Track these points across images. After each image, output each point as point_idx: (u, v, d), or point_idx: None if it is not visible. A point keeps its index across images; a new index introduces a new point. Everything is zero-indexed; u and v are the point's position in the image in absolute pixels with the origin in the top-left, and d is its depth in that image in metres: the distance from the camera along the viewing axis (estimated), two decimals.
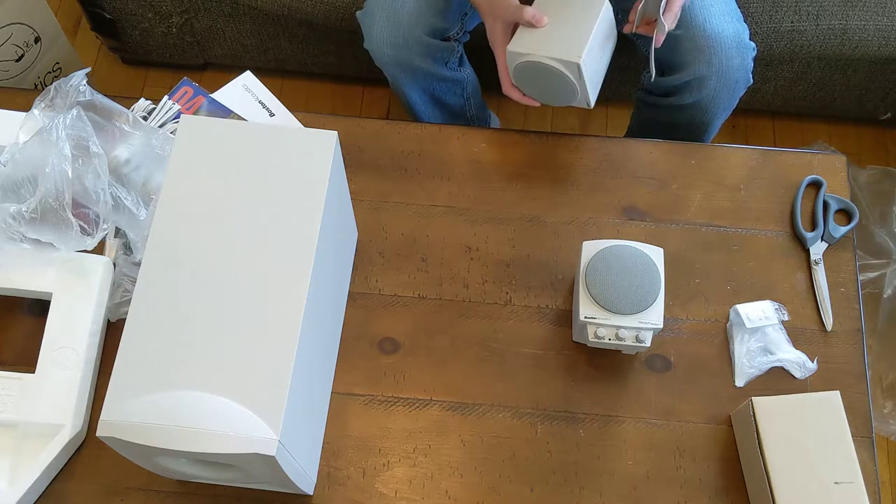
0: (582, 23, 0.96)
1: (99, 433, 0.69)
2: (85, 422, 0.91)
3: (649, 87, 1.23)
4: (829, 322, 0.99)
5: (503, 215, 1.05)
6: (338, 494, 0.90)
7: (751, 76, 1.14)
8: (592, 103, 1.02)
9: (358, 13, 1.20)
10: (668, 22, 0.98)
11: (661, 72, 1.18)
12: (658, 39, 1.00)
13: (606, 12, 0.98)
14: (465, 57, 1.29)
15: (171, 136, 1.02)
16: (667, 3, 0.96)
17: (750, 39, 1.13)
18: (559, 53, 0.95)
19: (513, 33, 1.01)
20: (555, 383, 0.96)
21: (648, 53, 1.02)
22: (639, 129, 1.37)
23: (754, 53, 1.13)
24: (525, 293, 1.01)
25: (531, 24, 0.97)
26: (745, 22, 1.14)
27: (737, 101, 1.18)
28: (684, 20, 1.10)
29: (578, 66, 0.94)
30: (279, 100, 1.11)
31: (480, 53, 1.30)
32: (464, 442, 0.93)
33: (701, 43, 1.09)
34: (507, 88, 1.06)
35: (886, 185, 1.65)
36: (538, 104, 1.06)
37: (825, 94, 1.64)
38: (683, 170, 1.09)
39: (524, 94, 1.05)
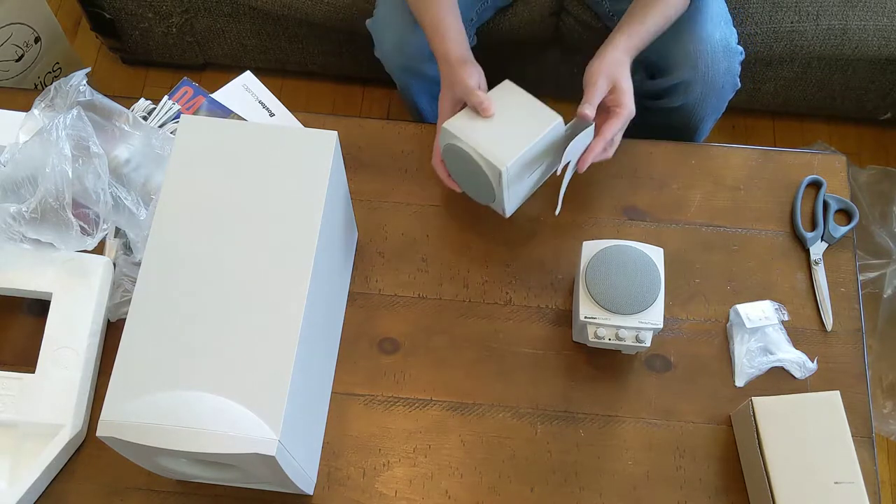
0: (525, 131, 0.89)
1: (99, 433, 0.69)
2: (85, 422, 0.91)
3: (641, 91, 1.23)
4: (829, 322, 0.99)
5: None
6: (338, 494, 0.90)
7: (738, 80, 1.13)
8: (508, 214, 0.95)
9: (368, 22, 1.20)
10: (582, 167, 0.93)
11: (651, 75, 1.18)
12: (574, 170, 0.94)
13: (554, 132, 0.91)
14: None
15: (171, 136, 1.02)
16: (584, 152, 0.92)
17: (738, 44, 1.11)
18: (487, 152, 0.87)
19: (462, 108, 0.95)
20: (555, 383, 0.96)
21: (561, 186, 0.94)
22: (632, 131, 1.37)
23: (742, 58, 1.12)
24: (525, 293, 1.01)
25: (476, 111, 0.91)
26: (734, 26, 1.14)
27: (725, 105, 1.17)
28: (673, 23, 1.09)
29: (500, 173, 0.87)
30: (279, 100, 1.11)
31: (481, 54, 1.30)
32: (464, 442, 0.93)
33: (688, 47, 1.09)
34: (435, 161, 0.99)
35: (886, 185, 1.65)
36: (459, 190, 0.99)
37: (825, 94, 1.64)
38: (683, 170, 1.09)
39: (449, 175, 0.98)
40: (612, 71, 0.93)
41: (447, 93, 0.95)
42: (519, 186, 0.91)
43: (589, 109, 0.91)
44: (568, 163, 0.91)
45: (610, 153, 0.94)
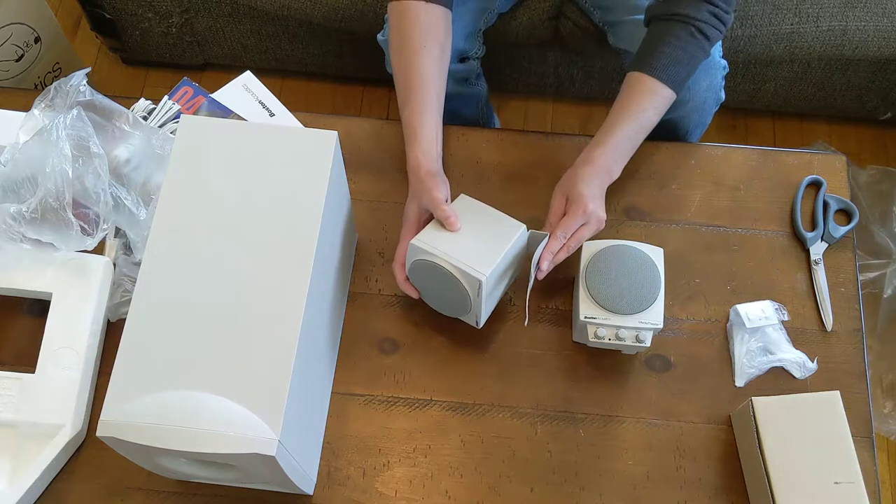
0: (494, 242, 0.89)
1: (99, 433, 0.69)
2: (85, 422, 0.91)
3: None
4: (829, 322, 0.99)
5: None
6: (338, 494, 0.90)
7: (721, 94, 1.13)
8: (481, 324, 0.94)
9: (380, 37, 1.19)
10: (543, 271, 0.92)
11: None
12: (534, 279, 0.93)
13: (520, 240, 0.92)
14: (481, 71, 1.29)
15: (171, 136, 1.02)
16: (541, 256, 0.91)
17: (722, 57, 1.11)
18: (464, 265, 0.87)
19: (426, 221, 0.94)
20: (555, 383, 0.96)
21: (527, 297, 0.95)
22: None
23: (725, 72, 1.11)
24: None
25: (443, 225, 0.90)
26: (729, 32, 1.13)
27: (710, 119, 1.17)
28: None
29: (480, 284, 0.86)
30: (279, 100, 1.11)
31: (484, 55, 1.31)
32: (464, 442, 0.93)
33: None
34: (395, 268, 0.95)
35: (886, 185, 1.66)
36: (416, 296, 0.96)
37: (825, 94, 1.64)
38: (683, 170, 1.09)
39: (406, 279, 0.95)
40: (566, 187, 0.95)
41: (413, 202, 0.95)
42: (492, 296, 0.92)
43: (546, 225, 0.94)
44: (535, 271, 0.92)
45: (573, 247, 0.93)
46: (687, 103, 1.08)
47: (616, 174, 0.97)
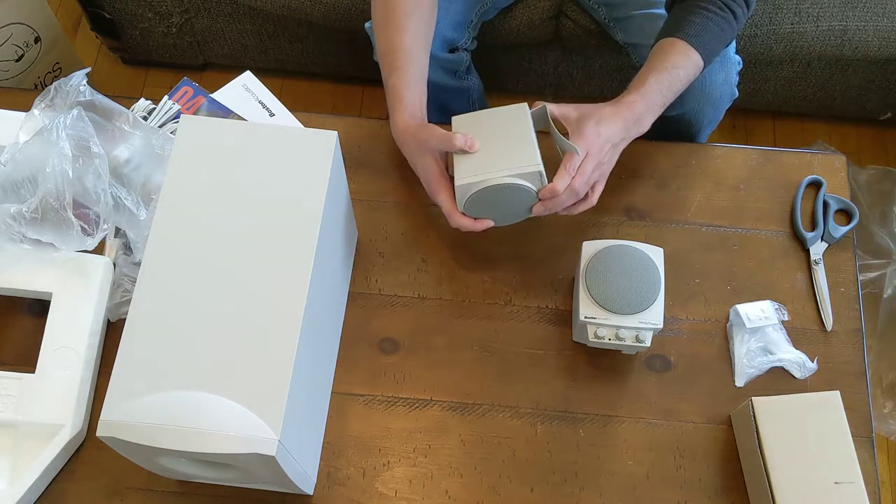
0: (518, 134, 0.90)
1: (99, 433, 0.69)
2: (85, 422, 0.91)
3: None
4: (829, 322, 0.99)
5: None
6: (338, 494, 0.90)
7: (735, 90, 1.13)
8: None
9: (367, 25, 1.18)
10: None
11: None
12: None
13: (529, 115, 0.92)
14: (472, 65, 1.29)
15: (171, 136, 1.02)
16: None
17: (736, 52, 1.11)
18: (515, 170, 0.87)
19: (447, 166, 0.94)
20: (555, 383, 0.96)
21: None
22: None
23: (739, 67, 1.11)
24: (525, 293, 1.01)
25: (463, 150, 0.89)
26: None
27: (723, 114, 1.17)
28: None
29: (540, 173, 0.88)
30: (279, 100, 1.11)
31: (481, 54, 1.31)
32: (464, 442, 0.93)
33: None
34: (456, 220, 0.93)
35: (886, 185, 1.66)
36: (492, 224, 0.94)
37: (825, 94, 1.64)
38: (683, 170, 1.09)
39: (476, 220, 0.94)
40: (591, 111, 0.92)
41: (425, 160, 0.94)
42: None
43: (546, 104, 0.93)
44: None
45: (593, 199, 0.93)
46: (702, 96, 1.08)
47: (646, 126, 0.95)
